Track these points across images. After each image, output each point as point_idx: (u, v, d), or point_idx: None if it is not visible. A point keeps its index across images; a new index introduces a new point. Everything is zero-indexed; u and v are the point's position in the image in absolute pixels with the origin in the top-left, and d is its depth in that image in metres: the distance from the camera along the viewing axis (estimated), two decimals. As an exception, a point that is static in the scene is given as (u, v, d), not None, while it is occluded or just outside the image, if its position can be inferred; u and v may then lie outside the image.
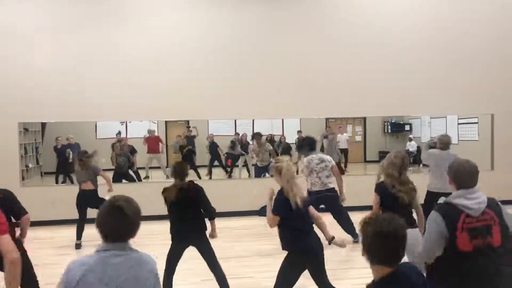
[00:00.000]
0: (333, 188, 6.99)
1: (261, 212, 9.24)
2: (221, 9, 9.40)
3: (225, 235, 4.91)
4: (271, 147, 10.69)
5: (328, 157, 7.08)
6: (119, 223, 2.14)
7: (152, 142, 11.54)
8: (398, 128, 13.52)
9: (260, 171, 10.58)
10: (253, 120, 11.63)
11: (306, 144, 7.15)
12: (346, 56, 9.65)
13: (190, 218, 4.77)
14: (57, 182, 10.46)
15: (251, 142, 11.47)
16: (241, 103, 9.45)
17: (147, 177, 11.39)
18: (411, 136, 13.39)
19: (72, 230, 7.51)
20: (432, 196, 6.39)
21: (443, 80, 9.85)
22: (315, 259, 4.10)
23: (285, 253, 4.22)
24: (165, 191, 4.82)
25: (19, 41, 8.79)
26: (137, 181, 10.33)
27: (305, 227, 4.12)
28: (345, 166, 12.13)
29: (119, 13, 9.12)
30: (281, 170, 4.02)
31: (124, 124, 11.30)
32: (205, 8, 9.36)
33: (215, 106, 9.40)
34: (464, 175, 2.96)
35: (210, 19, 9.38)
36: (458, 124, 11.24)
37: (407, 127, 13.58)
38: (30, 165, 10.32)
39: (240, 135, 11.83)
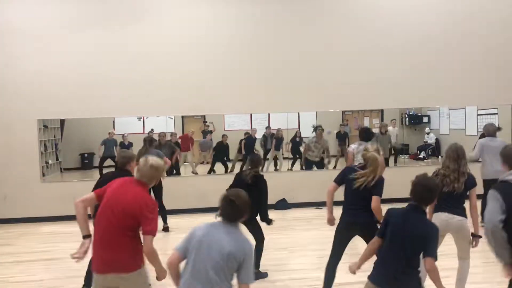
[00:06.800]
0: None
1: (278, 205, 9.28)
2: (237, 4, 9.39)
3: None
4: (327, 145, 10.48)
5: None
6: (230, 211, 2.90)
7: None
8: (416, 120, 13.37)
9: (310, 165, 10.41)
10: (268, 114, 11.62)
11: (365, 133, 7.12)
12: (362, 48, 9.54)
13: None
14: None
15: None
16: (257, 97, 9.44)
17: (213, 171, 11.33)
18: (427, 129, 13.27)
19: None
20: (487, 185, 6.63)
21: (462, 71, 9.68)
22: None
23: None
24: (241, 173, 5.23)
25: (36, 39, 8.90)
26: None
27: None
28: (395, 161, 11.62)
29: (134, 10, 9.17)
30: (377, 159, 4.10)
31: (141, 119, 11.42)
32: (221, 4, 9.36)
33: (230, 100, 9.41)
34: None
35: (226, 15, 9.37)
36: (478, 115, 11.06)
37: (425, 119, 13.43)
38: (50, 161, 10.52)
39: (276, 129, 11.66)
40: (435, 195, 3.15)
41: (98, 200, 3.35)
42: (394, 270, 3.09)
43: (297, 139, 11.70)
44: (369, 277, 3.21)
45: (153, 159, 3.33)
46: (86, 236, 3.37)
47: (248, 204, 2.92)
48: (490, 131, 7.34)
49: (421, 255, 3.10)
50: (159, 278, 3.32)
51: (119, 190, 3.29)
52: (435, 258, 3.02)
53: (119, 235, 3.19)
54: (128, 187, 3.29)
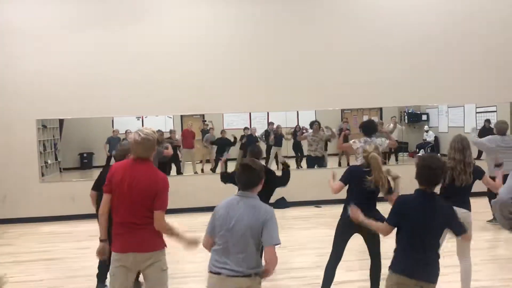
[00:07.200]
0: None
1: (276, 204, 9.26)
2: (237, 4, 9.39)
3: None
4: (325, 137, 10.30)
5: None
6: (246, 176, 2.99)
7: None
8: (415, 118, 13.40)
9: (312, 162, 10.35)
10: (267, 113, 11.63)
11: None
12: (362, 48, 9.55)
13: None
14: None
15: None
16: (257, 96, 9.44)
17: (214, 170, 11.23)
18: (426, 127, 13.29)
19: (90, 225, 7.62)
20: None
21: (462, 71, 9.68)
22: None
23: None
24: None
25: (36, 39, 8.89)
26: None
27: None
28: (396, 159, 11.84)
29: (134, 10, 9.16)
30: (378, 159, 4.12)
31: (140, 119, 11.41)
32: (221, 4, 9.36)
33: (230, 100, 9.41)
34: None
35: (226, 15, 9.37)
36: (476, 113, 11.08)
37: (424, 117, 13.46)
38: (49, 161, 10.51)
39: (276, 126, 11.60)
40: (440, 175, 3.14)
41: (112, 195, 3.34)
42: (415, 258, 3.08)
43: (298, 133, 11.68)
44: (392, 268, 3.18)
45: (141, 132, 3.31)
46: (104, 240, 3.40)
47: (262, 168, 3.05)
48: (499, 130, 7.26)
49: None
50: (190, 247, 3.40)
51: (127, 173, 3.29)
52: (465, 231, 3.16)
53: (137, 217, 3.23)
54: (135, 168, 3.30)
